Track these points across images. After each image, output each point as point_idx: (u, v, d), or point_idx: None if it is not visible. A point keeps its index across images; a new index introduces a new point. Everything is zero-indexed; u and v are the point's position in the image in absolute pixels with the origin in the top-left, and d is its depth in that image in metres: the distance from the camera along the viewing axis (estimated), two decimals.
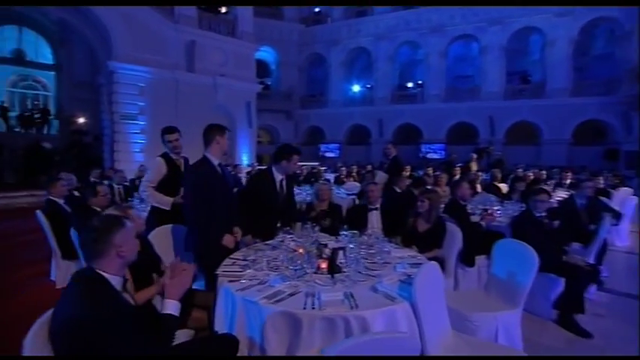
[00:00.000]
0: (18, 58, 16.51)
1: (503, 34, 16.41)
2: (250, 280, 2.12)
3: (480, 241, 3.24)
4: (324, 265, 2.29)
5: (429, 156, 17.67)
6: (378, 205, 3.66)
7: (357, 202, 5.49)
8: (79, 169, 10.45)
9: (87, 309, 1.24)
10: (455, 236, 3.06)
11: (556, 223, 3.23)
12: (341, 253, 2.31)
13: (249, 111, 14.04)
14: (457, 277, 3.23)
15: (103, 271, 1.40)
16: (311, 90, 21.34)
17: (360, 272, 2.24)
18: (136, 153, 11.07)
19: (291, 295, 1.88)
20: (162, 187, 3.25)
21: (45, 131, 15.41)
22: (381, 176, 5.21)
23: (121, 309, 1.34)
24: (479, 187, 6.02)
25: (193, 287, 2.40)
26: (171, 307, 1.53)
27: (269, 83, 18.69)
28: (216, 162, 2.65)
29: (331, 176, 9.54)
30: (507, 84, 16.89)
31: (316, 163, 15.41)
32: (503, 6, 15.33)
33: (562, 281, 2.87)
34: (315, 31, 20.01)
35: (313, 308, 1.73)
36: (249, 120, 14.10)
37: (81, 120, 13.25)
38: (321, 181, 4.23)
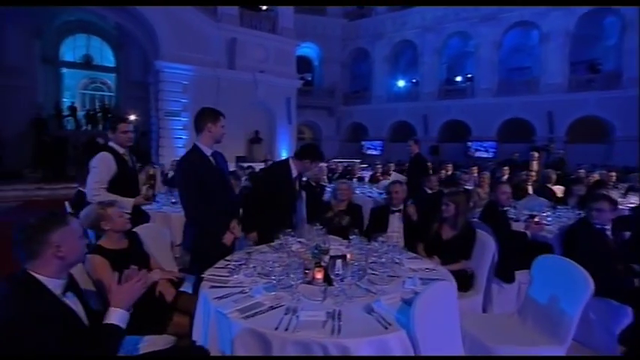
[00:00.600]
0: (86, 63, 18.10)
1: (569, 19, 14.67)
2: (234, 287, 1.91)
3: (521, 253, 2.75)
4: (319, 276, 1.99)
5: (477, 154, 16.46)
6: (400, 207, 3.28)
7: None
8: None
9: (10, 312, 1.14)
10: (487, 246, 2.60)
11: (627, 234, 2.63)
12: (339, 262, 1.99)
13: (289, 107, 14.03)
14: (491, 295, 2.74)
15: (38, 273, 1.27)
16: (354, 86, 20.89)
17: (359, 286, 1.91)
18: (179, 148, 11.47)
19: (272, 308, 1.64)
20: (114, 187, 2.74)
21: (107, 128, 16.69)
22: (395, 177, 4.75)
23: (51, 315, 1.19)
24: (530, 189, 5.34)
25: (181, 290, 2.25)
26: (115, 316, 1.34)
27: (310, 79, 18.55)
28: (208, 151, 2.44)
29: (368, 173, 9.15)
30: (571, 74, 15.12)
31: (357, 160, 15.05)
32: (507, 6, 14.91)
33: (629, 310, 2.28)
34: (359, 25, 19.49)
35: (287, 329, 1.44)
36: (288, 116, 14.11)
37: (132, 117, 14.06)
38: (340, 180, 3.91)
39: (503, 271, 2.77)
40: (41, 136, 11.13)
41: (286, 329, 1.45)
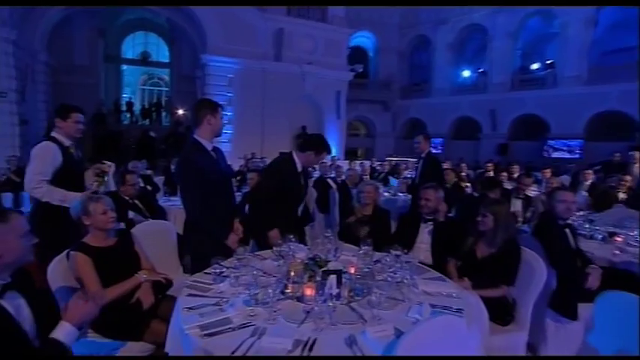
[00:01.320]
0: (144, 60, 19.77)
1: None
2: (212, 297, 1.82)
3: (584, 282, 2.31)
4: (308, 292, 1.81)
5: (556, 155, 14.85)
6: (433, 217, 2.96)
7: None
8: (174, 158, 11.82)
9: None
10: (535, 269, 2.20)
11: None
12: (332, 278, 1.80)
13: (339, 101, 13.91)
14: (544, 332, 2.34)
15: None
16: (413, 78, 20.10)
17: (353, 309, 1.69)
18: (223, 143, 11.88)
19: (241, 327, 1.50)
20: (56, 181, 2.60)
21: (159, 123, 18.07)
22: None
23: None
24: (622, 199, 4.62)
25: (169, 294, 2.20)
26: (62, 331, 1.28)
27: (363, 71, 18.15)
28: (209, 146, 2.39)
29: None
30: None
31: (413, 159, 14.42)
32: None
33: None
34: (419, 11, 18.61)
35: (245, 354, 1.29)
36: (338, 111, 13.98)
37: (180, 111, 14.96)
38: (366, 181, 3.68)
39: (562, 303, 2.33)
40: (98, 131, 12.24)
41: (245, 354, 1.30)
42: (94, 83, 14.61)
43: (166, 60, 19.06)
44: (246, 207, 4.18)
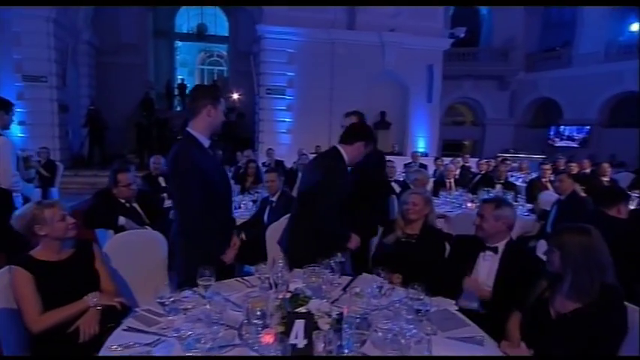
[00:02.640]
0: (199, 34, 21.23)
1: None
2: (153, 333, 1.86)
3: None
4: (267, 340, 1.73)
5: None
6: (498, 244, 2.68)
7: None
8: (225, 150, 12.50)
9: None
10: None
11: None
12: (299, 324, 1.69)
13: (431, 78, 13.51)
14: None
15: None
16: (545, 41, 18.35)
17: None
18: (282, 134, 12.31)
19: None
20: None
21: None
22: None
23: None
24: None
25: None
26: None
27: (466, 36, 16.96)
28: (206, 143, 2.48)
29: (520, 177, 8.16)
30: None
31: (542, 156, 13.31)
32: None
33: None
34: None
35: None
36: (429, 91, 13.59)
37: (235, 95, 15.72)
38: (413, 190, 3.43)
39: None
40: (140, 118, 13.52)
41: None
42: (141, 63, 16.16)
43: (225, 34, 20.23)
44: (266, 215, 4.26)
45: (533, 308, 2.14)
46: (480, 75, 17.94)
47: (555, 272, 2.03)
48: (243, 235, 3.99)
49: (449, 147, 18.03)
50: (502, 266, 2.57)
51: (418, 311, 1.90)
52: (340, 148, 2.88)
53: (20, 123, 10.68)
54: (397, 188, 5.56)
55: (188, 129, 2.45)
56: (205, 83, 22.22)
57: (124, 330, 1.87)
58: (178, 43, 21.45)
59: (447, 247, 3.07)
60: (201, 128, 2.43)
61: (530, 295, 2.18)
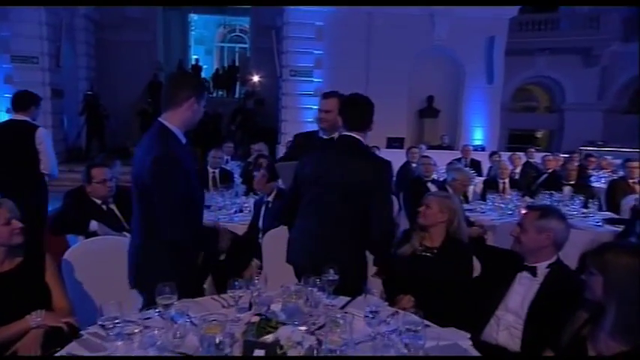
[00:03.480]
0: (220, 4, 21.43)
1: None
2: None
3: None
4: None
5: None
6: (538, 264, 2.62)
7: None
8: (243, 142, 12.67)
9: None
10: None
11: None
12: (258, 354, 1.69)
13: (492, 54, 13.24)
14: None
15: None
16: None
17: None
18: (307, 123, 12.29)
19: None
20: None
21: (233, 94, 19.64)
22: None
23: None
24: None
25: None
26: None
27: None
28: (183, 139, 2.55)
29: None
30: None
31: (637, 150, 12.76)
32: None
33: None
34: None
35: None
36: (489, 71, 13.33)
37: (255, 78, 15.85)
38: (437, 193, 3.39)
39: None
40: (145, 105, 13.87)
41: None
42: (149, 40, 16.54)
43: (248, 4, 20.44)
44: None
45: (568, 348, 2.05)
46: (560, 48, 17.32)
47: (597, 302, 1.94)
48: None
49: (517, 139, 17.65)
50: (541, 294, 2.50)
51: (407, 345, 1.83)
52: (358, 136, 2.88)
53: (8, 110, 11.12)
54: (433, 189, 5.44)
55: (162, 120, 2.49)
56: (225, 65, 22.67)
57: (65, 357, 1.89)
58: (193, 17, 21.91)
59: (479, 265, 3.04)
60: (178, 122, 2.49)
61: (565, 329, 2.09)
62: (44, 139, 4.79)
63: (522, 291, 2.56)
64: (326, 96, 3.46)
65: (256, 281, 2.32)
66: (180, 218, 2.43)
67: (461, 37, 12.76)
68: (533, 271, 2.55)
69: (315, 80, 12.61)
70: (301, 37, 12.45)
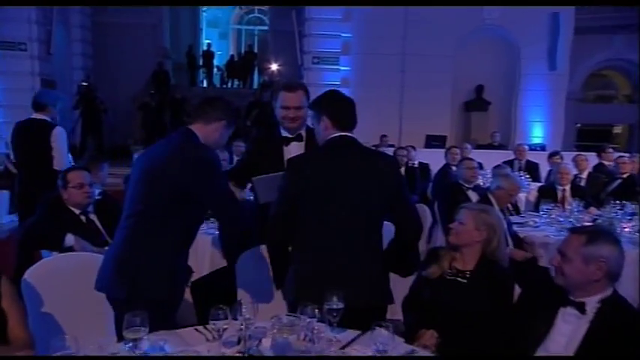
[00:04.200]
0: None
1: None
2: None
3: None
4: None
5: None
6: (586, 299, 2.53)
7: None
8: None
9: None
10: None
11: None
12: None
13: (557, 34, 13.10)
14: None
15: None
16: None
17: None
18: None
19: None
20: None
21: (250, 84, 19.71)
22: None
23: None
24: None
25: None
26: None
27: None
28: None
29: None
30: None
31: None
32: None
33: None
34: None
35: None
36: (551, 53, 13.21)
37: (273, 66, 15.88)
38: (470, 205, 3.31)
39: None
40: (148, 98, 14.00)
41: None
42: (153, 24, 16.72)
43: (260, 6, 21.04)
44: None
45: None
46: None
47: None
48: None
49: (589, 135, 17.27)
50: (591, 335, 2.38)
51: None
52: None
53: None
54: (475, 198, 5.34)
55: (192, 128, 2.73)
56: (242, 51, 22.71)
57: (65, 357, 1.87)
58: None
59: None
60: (202, 137, 2.72)
61: None
62: (58, 137, 5.49)
63: (567, 331, 2.47)
64: (292, 88, 3.39)
65: (244, 310, 2.29)
66: (240, 208, 2.88)
67: (517, 14, 12.63)
68: (580, 308, 2.44)
69: (342, 68, 12.62)
70: (326, 18, 12.49)
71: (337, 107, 2.88)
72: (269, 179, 3.19)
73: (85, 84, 13.32)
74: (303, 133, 3.37)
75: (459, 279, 2.95)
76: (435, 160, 8.79)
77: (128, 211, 2.68)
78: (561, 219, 5.29)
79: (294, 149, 3.35)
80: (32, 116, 5.66)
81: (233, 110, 2.95)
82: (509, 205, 5.49)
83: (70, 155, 5.87)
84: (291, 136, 3.38)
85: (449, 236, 3.08)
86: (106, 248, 3.67)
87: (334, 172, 2.73)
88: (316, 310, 2.26)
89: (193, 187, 2.64)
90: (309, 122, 3.12)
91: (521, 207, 6.27)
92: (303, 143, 3.41)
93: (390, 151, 8.60)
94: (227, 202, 2.80)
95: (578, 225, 5.03)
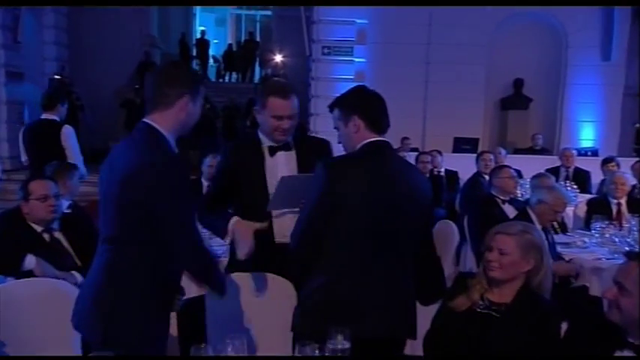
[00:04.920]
0: None
1: None
2: None
3: None
4: None
5: None
6: None
7: None
8: None
9: None
10: None
11: None
12: None
13: (610, 19, 13.10)
14: None
15: None
16: None
17: None
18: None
19: None
20: None
21: (251, 78, 19.85)
22: None
23: None
24: None
25: None
26: None
27: None
28: (174, 147, 2.67)
29: None
30: None
31: None
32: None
33: None
34: None
35: None
36: (605, 41, 13.14)
37: (277, 57, 15.90)
38: (504, 225, 3.25)
39: None
40: (131, 94, 14.09)
41: None
42: (139, 8, 16.56)
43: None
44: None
45: None
46: None
47: None
48: None
49: None
50: None
51: None
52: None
53: None
54: (511, 213, 5.37)
55: (149, 121, 2.57)
56: (242, 39, 22.87)
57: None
58: None
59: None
60: (168, 126, 2.58)
61: None
62: (68, 137, 6.20)
63: None
64: (285, 94, 3.24)
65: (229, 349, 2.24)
66: (200, 240, 2.62)
67: None
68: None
69: (357, 60, 12.66)
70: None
71: (372, 105, 2.85)
72: (297, 180, 3.12)
73: (58, 77, 13.42)
74: (289, 140, 3.28)
75: (493, 313, 2.88)
76: (465, 167, 8.76)
77: (102, 234, 2.64)
78: (616, 239, 5.21)
79: (281, 161, 3.27)
80: (42, 117, 6.38)
81: (192, 75, 2.81)
82: (553, 223, 5.37)
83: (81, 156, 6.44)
84: (276, 144, 3.27)
85: (488, 270, 2.94)
86: (74, 273, 3.68)
87: (376, 184, 2.69)
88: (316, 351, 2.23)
89: (158, 206, 2.52)
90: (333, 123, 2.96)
91: (568, 223, 6.14)
92: (293, 153, 3.32)
93: (412, 157, 8.50)
94: (187, 228, 2.60)
95: (638, 248, 4.95)
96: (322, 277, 2.74)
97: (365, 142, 2.75)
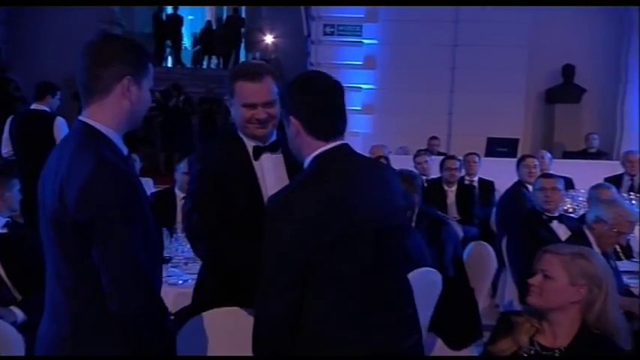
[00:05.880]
0: None
1: None
2: None
3: None
4: None
5: None
6: None
7: None
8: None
9: None
10: None
11: None
12: None
13: None
14: None
15: None
16: None
17: None
18: (354, 114, 12.27)
19: None
20: None
21: (236, 64, 19.86)
22: None
23: None
24: None
25: None
26: None
27: None
28: (122, 146, 2.57)
29: None
30: None
31: None
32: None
33: None
34: None
35: None
36: None
37: (268, 38, 15.98)
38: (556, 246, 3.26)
39: None
40: None
41: None
42: None
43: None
44: None
45: None
46: None
47: None
48: None
49: None
50: None
51: None
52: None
53: None
54: (563, 234, 5.35)
55: (84, 119, 2.45)
56: (223, 16, 23.07)
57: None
58: None
59: None
60: (110, 120, 2.47)
61: None
62: (61, 128, 7.10)
63: None
64: (255, 75, 3.16)
65: None
66: (141, 278, 2.41)
67: None
68: None
69: (367, 42, 12.87)
70: None
71: (314, 101, 2.65)
72: None
73: None
74: (274, 138, 3.21)
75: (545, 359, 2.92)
76: (502, 174, 8.79)
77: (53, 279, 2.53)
78: None
79: (267, 164, 3.21)
80: (32, 107, 7.48)
81: (134, 49, 2.57)
82: (616, 247, 5.36)
83: None
84: (261, 144, 3.21)
85: (528, 296, 2.98)
86: (13, 309, 3.67)
87: (349, 209, 2.54)
88: None
89: (93, 232, 2.34)
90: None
91: (635, 247, 6.14)
92: (280, 155, 3.25)
93: (435, 162, 8.55)
94: (129, 260, 2.38)
95: None
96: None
97: (312, 156, 2.61)
